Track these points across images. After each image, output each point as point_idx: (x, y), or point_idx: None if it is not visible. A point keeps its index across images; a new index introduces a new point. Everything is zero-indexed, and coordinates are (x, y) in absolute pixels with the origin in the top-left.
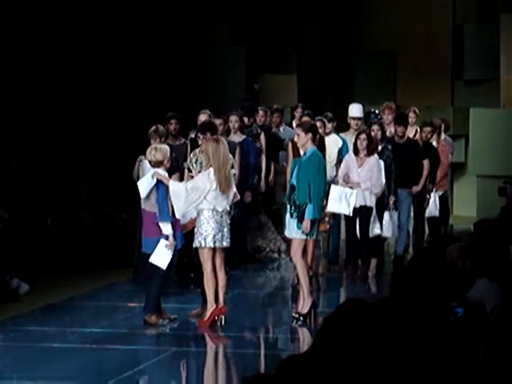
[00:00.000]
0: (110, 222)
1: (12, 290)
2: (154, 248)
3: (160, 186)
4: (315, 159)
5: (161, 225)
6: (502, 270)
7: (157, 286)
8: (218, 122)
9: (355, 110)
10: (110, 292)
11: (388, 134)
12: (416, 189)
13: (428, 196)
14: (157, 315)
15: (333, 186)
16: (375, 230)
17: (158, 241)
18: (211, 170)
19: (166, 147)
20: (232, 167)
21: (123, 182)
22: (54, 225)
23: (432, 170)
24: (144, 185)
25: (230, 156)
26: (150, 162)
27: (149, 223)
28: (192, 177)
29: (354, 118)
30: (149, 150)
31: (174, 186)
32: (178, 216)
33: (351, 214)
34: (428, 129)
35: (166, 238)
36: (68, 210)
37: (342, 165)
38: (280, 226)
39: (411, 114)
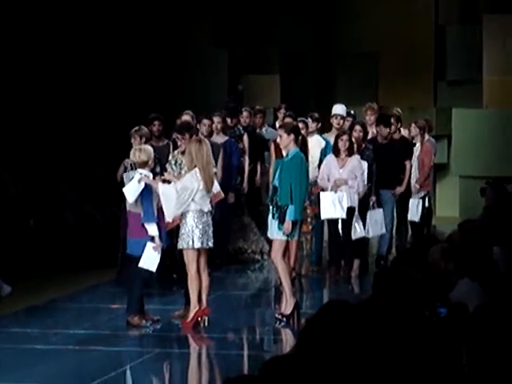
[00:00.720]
0: (92, 223)
1: None
2: (139, 249)
3: (144, 188)
4: (297, 160)
5: (146, 226)
6: (484, 271)
7: (139, 286)
8: (206, 122)
9: (338, 107)
10: (92, 293)
11: (370, 134)
12: (399, 189)
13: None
14: (140, 316)
15: (322, 194)
16: (358, 232)
17: (144, 242)
18: (197, 169)
19: (150, 148)
20: (213, 166)
21: (106, 183)
22: (37, 226)
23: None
24: (131, 190)
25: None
26: (134, 164)
27: (134, 224)
28: (164, 181)
29: (336, 116)
30: (132, 151)
31: (163, 188)
32: (168, 218)
33: (345, 217)
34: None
35: (152, 239)
36: (50, 211)
37: (323, 166)
38: (265, 227)
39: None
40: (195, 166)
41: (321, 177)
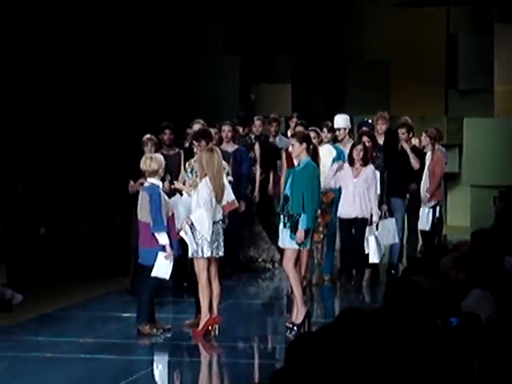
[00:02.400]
0: (103, 232)
1: (5, 300)
2: (150, 258)
3: (153, 197)
4: (309, 169)
5: (156, 235)
6: (496, 280)
7: (149, 295)
8: (212, 131)
9: (338, 120)
10: (103, 302)
11: (381, 143)
12: (413, 187)
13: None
14: (150, 325)
15: (370, 238)
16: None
17: (155, 252)
18: (207, 178)
19: (161, 157)
20: (228, 174)
21: (113, 191)
22: (48, 234)
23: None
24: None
25: (225, 164)
26: (144, 172)
27: (145, 234)
28: (175, 190)
29: (337, 129)
30: (143, 159)
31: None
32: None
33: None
34: (403, 130)
35: (163, 248)
36: (61, 219)
37: (336, 171)
38: (276, 235)
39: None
40: (206, 175)
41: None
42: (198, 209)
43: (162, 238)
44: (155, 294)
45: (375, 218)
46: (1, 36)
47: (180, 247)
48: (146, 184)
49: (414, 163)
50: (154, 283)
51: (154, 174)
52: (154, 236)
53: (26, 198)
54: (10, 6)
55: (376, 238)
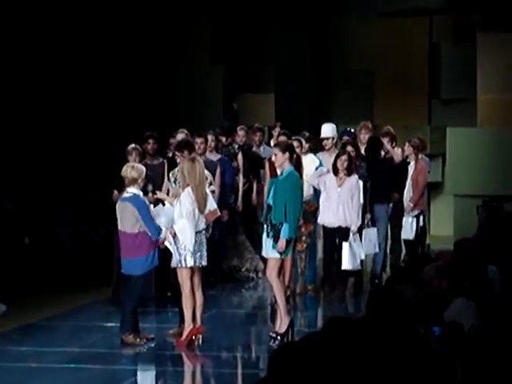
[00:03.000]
0: (87, 241)
1: None
2: (134, 268)
3: (142, 207)
4: (292, 179)
5: (158, 238)
6: (479, 289)
7: (132, 305)
8: (199, 140)
9: (325, 130)
10: (87, 312)
11: (363, 152)
12: (395, 196)
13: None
14: (134, 335)
15: (345, 244)
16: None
17: (139, 261)
18: (189, 189)
19: (142, 167)
20: (211, 184)
21: (95, 200)
22: (32, 244)
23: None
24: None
25: (207, 173)
26: (124, 179)
27: (128, 244)
28: (158, 200)
29: (324, 139)
30: (125, 167)
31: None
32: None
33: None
34: (386, 138)
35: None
36: (45, 229)
37: (319, 178)
38: (260, 245)
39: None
40: (188, 185)
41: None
42: (180, 219)
43: (163, 236)
44: (139, 303)
45: (353, 228)
46: None
47: (161, 257)
48: (126, 194)
49: (396, 157)
50: (137, 293)
51: (133, 182)
52: (140, 245)
53: (11, 207)
54: (10, 6)
55: (351, 245)
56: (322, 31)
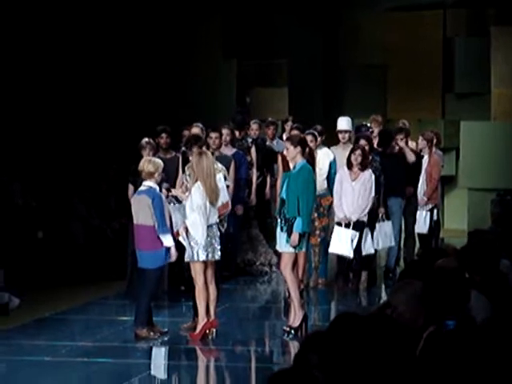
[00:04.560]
0: (101, 236)
1: (3, 304)
2: (150, 261)
3: (155, 199)
4: (304, 173)
5: (162, 237)
6: (491, 283)
7: (146, 298)
8: (213, 135)
9: (342, 123)
10: (101, 306)
11: (376, 146)
12: (409, 190)
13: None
14: (148, 328)
15: (336, 228)
16: (368, 248)
17: (154, 254)
18: (198, 183)
19: (160, 161)
20: (225, 179)
21: (107, 194)
22: (46, 237)
23: (415, 178)
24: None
25: (221, 167)
26: (141, 173)
27: (144, 237)
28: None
29: (341, 132)
30: (143, 160)
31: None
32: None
33: (352, 256)
34: (401, 135)
35: (168, 250)
36: (59, 223)
37: (336, 180)
38: (274, 239)
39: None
40: (197, 180)
41: (336, 203)
42: (191, 214)
43: (168, 240)
44: (153, 297)
45: (353, 218)
46: None
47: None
48: (142, 187)
49: (410, 157)
50: (152, 287)
51: (149, 176)
52: (158, 238)
53: (22, 201)
54: (10, 6)
55: (380, 226)
56: (335, 25)
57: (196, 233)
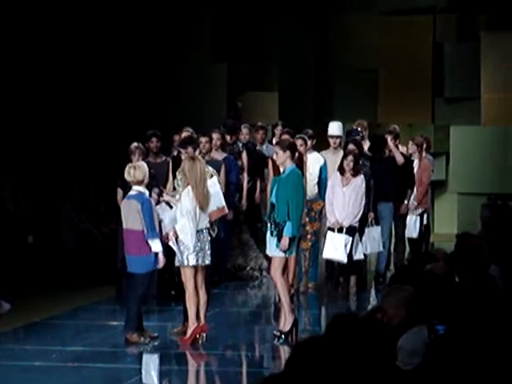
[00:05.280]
0: (91, 240)
1: None
2: (139, 266)
3: (145, 204)
4: (294, 177)
5: (150, 242)
6: (482, 287)
7: (135, 303)
8: (203, 139)
9: (334, 128)
10: (91, 310)
11: (367, 150)
12: (403, 207)
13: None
14: (138, 333)
15: (328, 233)
16: (358, 253)
17: (142, 259)
18: (189, 188)
19: (144, 164)
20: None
21: (97, 198)
22: (36, 242)
23: (405, 185)
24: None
25: (213, 171)
26: (129, 182)
27: (133, 241)
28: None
29: (332, 137)
30: (127, 169)
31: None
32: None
33: (345, 261)
34: (390, 136)
35: (156, 255)
36: (49, 228)
37: (329, 185)
38: (264, 244)
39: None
40: (188, 184)
41: (328, 208)
42: (181, 218)
43: (156, 246)
44: (143, 302)
45: (345, 224)
46: None
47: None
48: (132, 192)
49: (399, 158)
50: (141, 292)
51: (139, 183)
52: (147, 243)
53: (13, 205)
54: (10, 6)
55: (369, 231)
56: (325, 29)
57: (185, 238)
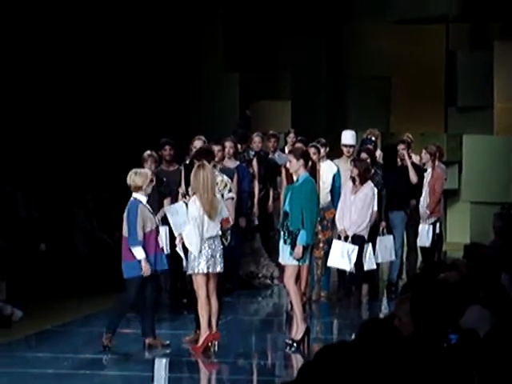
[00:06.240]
0: (103, 247)
1: (5, 316)
2: (132, 271)
3: (130, 211)
4: (307, 185)
5: (132, 250)
6: (494, 298)
7: (120, 308)
8: (216, 148)
9: (347, 137)
10: (103, 318)
11: (381, 159)
12: (413, 203)
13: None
14: (152, 339)
15: (335, 241)
16: (369, 262)
17: (130, 264)
18: (195, 196)
19: (147, 172)
20: (230, 191)
21: (109, 206)
22: (48, 250)
23: (417, 191)
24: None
25: (227, 180)
26: (129, 187)
27: (124, 247)
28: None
29: (345, 146)
30: (129, 173)
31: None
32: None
33: (352, 270)
34: (402, 145)
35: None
36: (62, 235)
37: (342, 194)
38: (277, 252)
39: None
40: (195, 192)
41: (338, 216)
42: (188, 225)
43: (138, 253)
44: (133, 308)
45: (349, 233)
46: None
47: (168, 262)
48: (131, 198)
49: (413, 177)
50: (128, 297)
51: (137, 189)
52: (130, 249)
53: (26, 212)
54: (10, 6)
55: (381, 240)
56: (338, 37)
57: (190, 244)
